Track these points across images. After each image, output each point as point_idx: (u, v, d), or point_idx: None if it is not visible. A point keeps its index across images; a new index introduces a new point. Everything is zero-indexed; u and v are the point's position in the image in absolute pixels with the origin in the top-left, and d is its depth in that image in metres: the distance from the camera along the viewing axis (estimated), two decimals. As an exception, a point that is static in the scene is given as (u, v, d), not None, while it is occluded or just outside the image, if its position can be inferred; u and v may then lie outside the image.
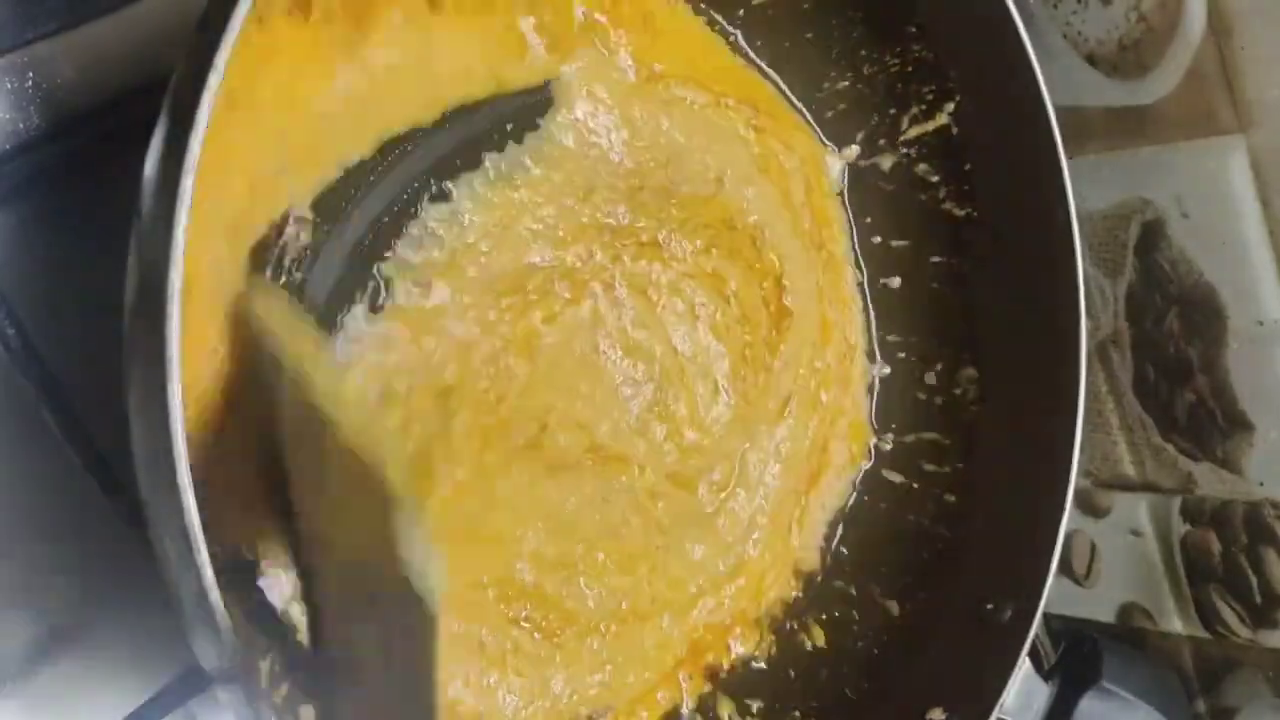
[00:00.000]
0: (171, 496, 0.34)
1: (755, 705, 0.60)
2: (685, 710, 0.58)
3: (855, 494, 0.65)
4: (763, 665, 0.61)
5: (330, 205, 0.47)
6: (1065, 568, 0.78)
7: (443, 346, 0.49)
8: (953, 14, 0.58)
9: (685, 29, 0.59)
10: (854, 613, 0.63)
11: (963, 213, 0.63)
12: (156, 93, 0.39)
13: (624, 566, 0.56)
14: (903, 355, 0.66)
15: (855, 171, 0.65)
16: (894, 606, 0.62)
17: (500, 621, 0.51)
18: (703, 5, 0.59)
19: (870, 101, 0.63)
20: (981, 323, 0.63)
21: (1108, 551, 0.77)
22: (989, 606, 0.58)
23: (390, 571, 0.35)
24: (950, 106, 0.62)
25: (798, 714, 0.60)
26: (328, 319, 0.47)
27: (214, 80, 0.36)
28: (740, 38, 0.61)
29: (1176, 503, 0.72)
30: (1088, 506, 0.77)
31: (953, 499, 0.63)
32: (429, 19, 0.47)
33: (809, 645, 0.62)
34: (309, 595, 0.39)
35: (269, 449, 0.41)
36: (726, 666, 0.60)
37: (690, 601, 0.59)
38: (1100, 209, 0.70)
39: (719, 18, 0.60)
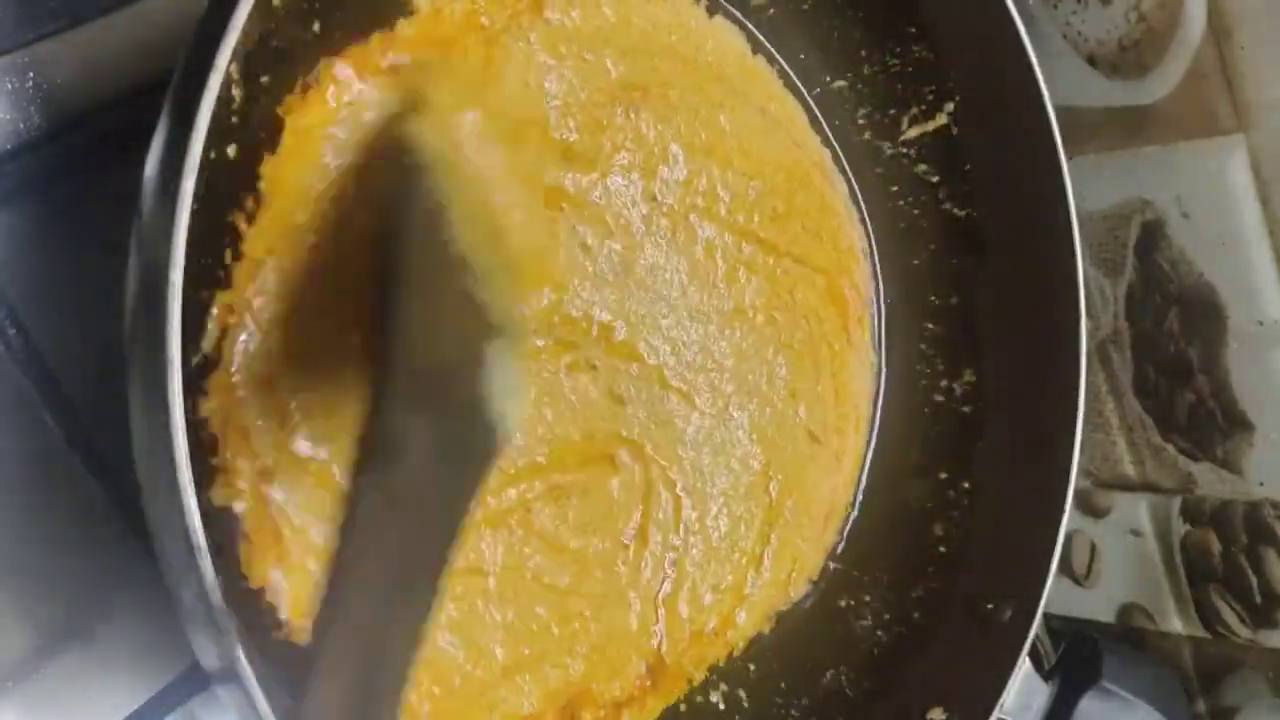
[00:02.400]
0: (171, 496, 0.35)
1: (753, 703, 0.60)
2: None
3: (865, 477, 0.65)
4: (762, 663, 0.61)
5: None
6: (1065, 568, 0.78)
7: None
8: (953, 14, 0.58)
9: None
10: (854, 613, 0.63)
11: (963, 213, 0.63)
12: (156, 93, 0.39)
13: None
14: (902, 355, 0.66)
15: (851, 168, 0.65)
16: (894, 606, 0.62)
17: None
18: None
19: (870, 101, 0.63)
20: (981, 323, 0.63)
21: (1108, 551, 0.77)
22: (989, 606, 0.58)
23: (465, 391, 0.36)
24: (950, 106, 0.62)
25: (796, 714, 0.60)
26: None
27: (214, 80, 0.36)
28: (740, 38, 0.61)
29: (1176, 503, 0.72)
30: (1088, 506, 0.77)
31: (953, 498, 0.63)
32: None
33: (809, 644, 0.62)
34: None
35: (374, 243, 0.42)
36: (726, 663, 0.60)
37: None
38: (1100, 209, 0.70)
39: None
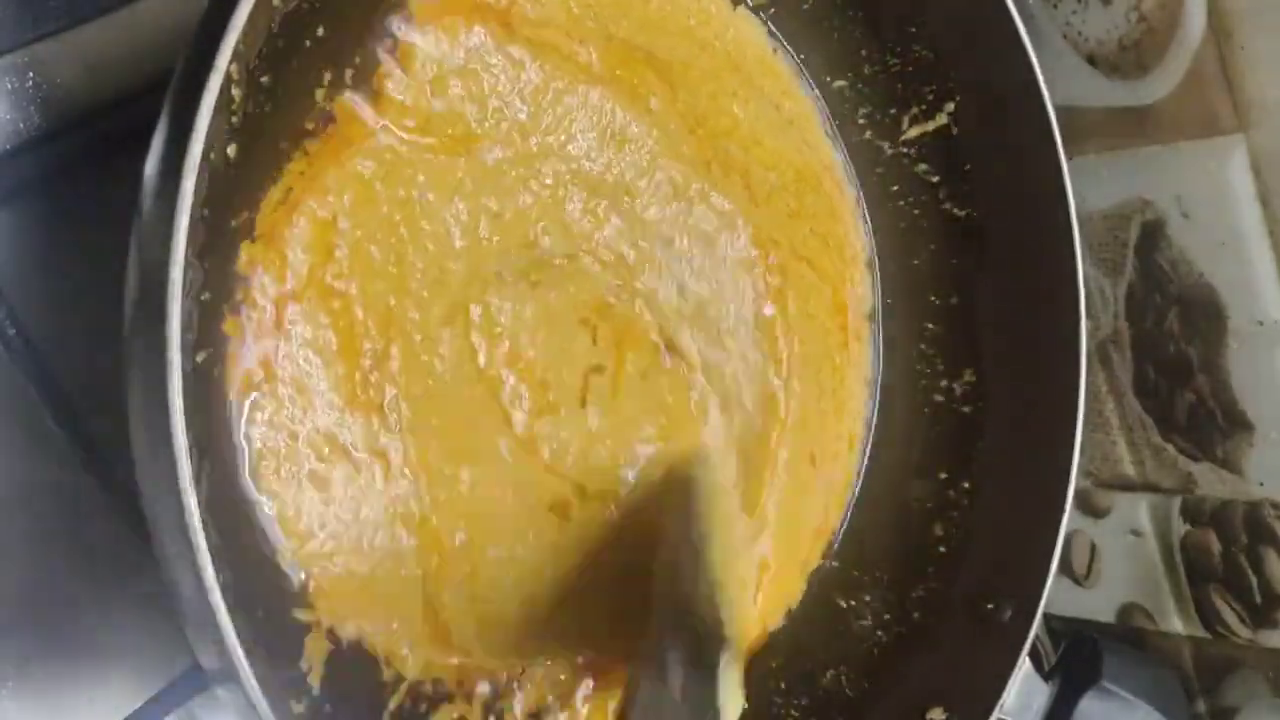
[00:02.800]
0: (171, 496, 0.35)
1: (752, 703, 0.60)
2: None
3: (855, 494, 0.65)
4: (761, 663, 0.61)
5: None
6: (1065, 568, 0.78)
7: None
8: (953, 14, 0.58)
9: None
10: (854, 613, 0.63)
11: (963, 213, 0.63)
12: (156, 93, 0.39)
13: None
14: (903, 355, 0.66)
15: (855, 171, 0.65)
16: (894, 606, 0.62)
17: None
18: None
19: (870, 101, 0.63)
20: (981, 323, 0.63)
21: (1108, 551, 0.77)
22: (989, 606, 0.58)
23: (703, 681, 0.45)
24: (950, 106, 0.62)
25: (796, 714, 0.60)
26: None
27: (214, 80, 0.36)
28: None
29: (1176, 503, 0.72)
30: (1088, 506, 0.77)
31: (953, 498, 0.63)
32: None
33: (809, 644, 0.62)
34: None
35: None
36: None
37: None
38: (1100, 209, 0.70)
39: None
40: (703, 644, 0.47)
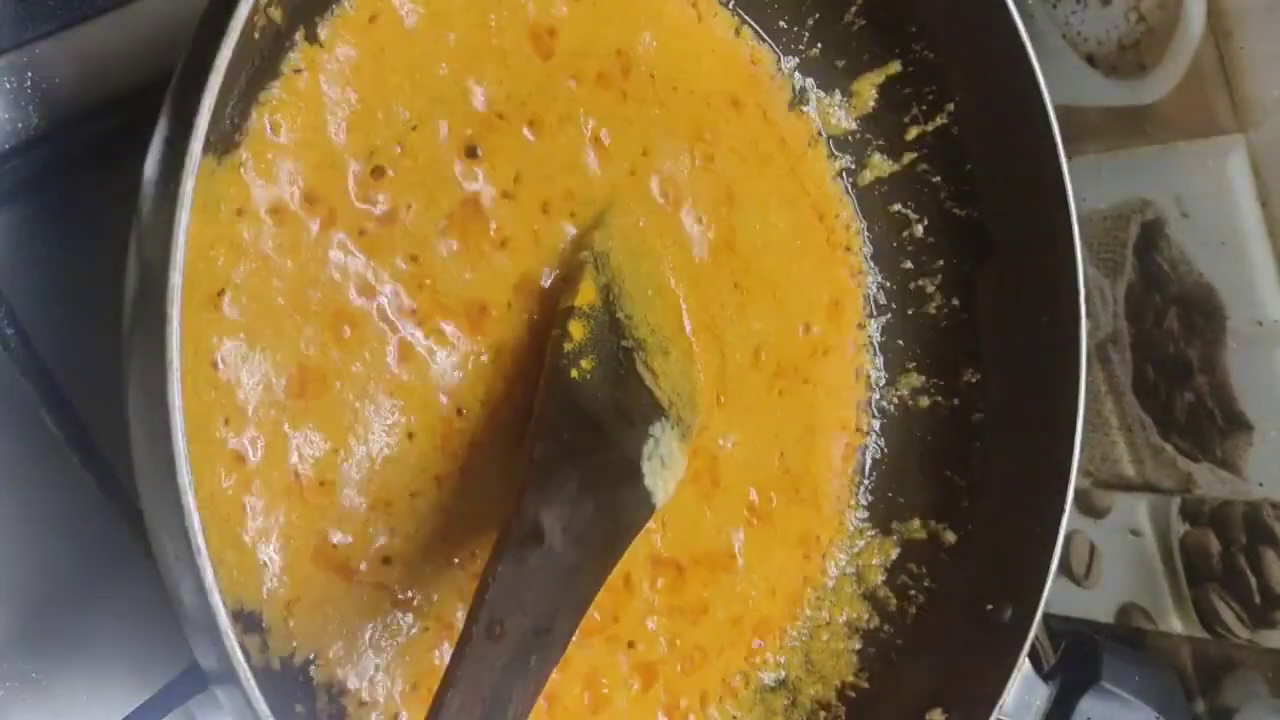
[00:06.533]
0: (171, 496, 0.34)
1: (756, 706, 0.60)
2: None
3: (856, 495, 0.65)
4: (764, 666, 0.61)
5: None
6: (1065, 568, 0.78)
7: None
8: (953, 14, 0.58)
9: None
10: (855, 613, 0.63)
11: (963, 213, 0.63)
12: (156, 93, 0.39)
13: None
14: (903, 356, 0.66)
15: (854, 173, 0.65)
16: (894, 606, 0.62)
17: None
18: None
19: (870, 101, 0.63)
20: (982, 323, 0.63)
21: (1108, 551, 0.77)
22: (989, 606, 0.58)
23: (626, 460, 0.42)
24: (950, 106, 0.62)
25: (796, 715, 0.60)
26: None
27: (214, 80, 0.36)
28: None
29: (1176, 503, 0.72)
30: (1088, 506, 0.77)
31: (953, 498, 0.63)
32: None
33: (810, 645, 0.62)
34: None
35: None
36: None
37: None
38: (1100, 209, 0.70)
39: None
40: (629, 424, 0.43)
